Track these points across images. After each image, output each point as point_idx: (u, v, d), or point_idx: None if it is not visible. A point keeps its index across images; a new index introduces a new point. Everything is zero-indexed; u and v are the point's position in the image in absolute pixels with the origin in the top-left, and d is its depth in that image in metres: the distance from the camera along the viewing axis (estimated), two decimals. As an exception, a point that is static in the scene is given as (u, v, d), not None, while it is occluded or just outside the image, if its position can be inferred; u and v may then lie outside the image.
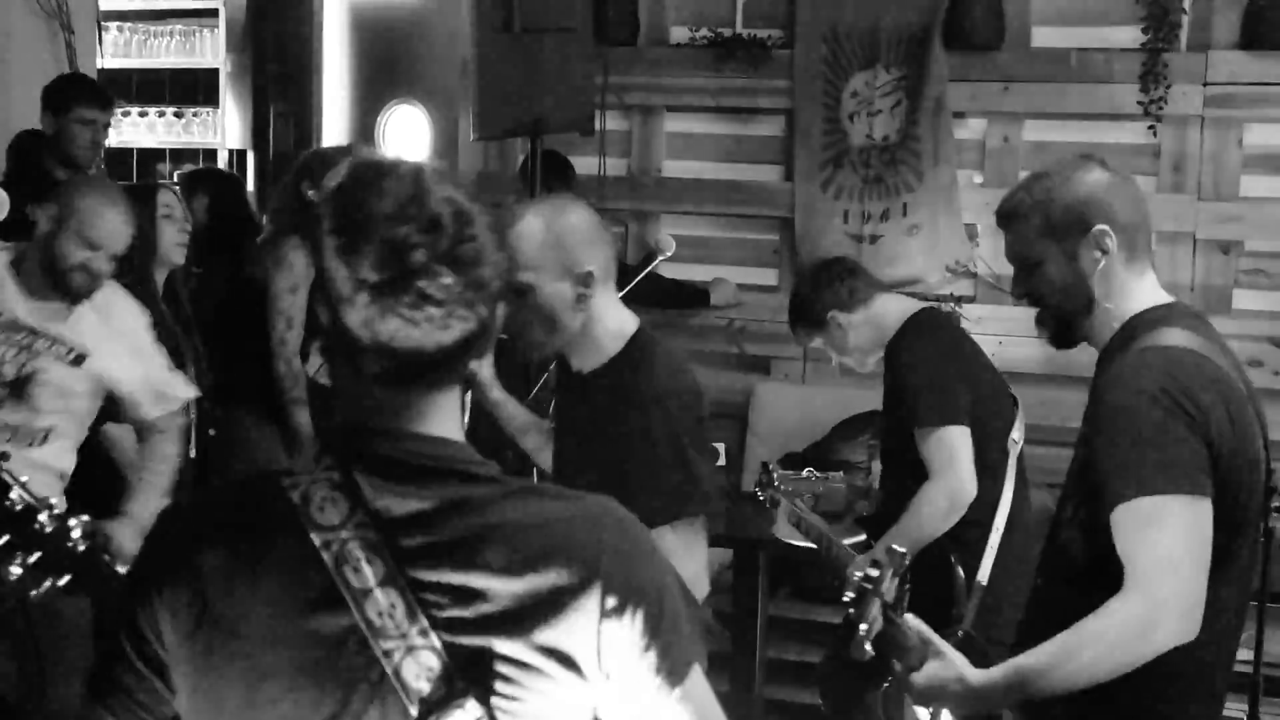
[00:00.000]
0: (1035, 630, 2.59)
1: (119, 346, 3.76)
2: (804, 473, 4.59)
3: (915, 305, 4.07)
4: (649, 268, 4.92)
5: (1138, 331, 2.55)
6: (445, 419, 1.68)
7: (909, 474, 3.90)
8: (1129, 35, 5.47)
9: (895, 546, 2.73)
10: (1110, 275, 2.58)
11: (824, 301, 4.08)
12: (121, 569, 2.28)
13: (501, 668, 1.59)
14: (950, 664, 2.53)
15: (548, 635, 1.60)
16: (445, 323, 1.57)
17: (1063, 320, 2.66)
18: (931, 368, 3.86)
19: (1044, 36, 5.66)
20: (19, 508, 1.98)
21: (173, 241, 4.39)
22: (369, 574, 1.58)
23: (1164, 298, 2.63)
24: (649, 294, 5.59)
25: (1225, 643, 2.51)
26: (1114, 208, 2.59)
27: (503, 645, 1.59)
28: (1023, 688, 2.45)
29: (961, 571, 3.79)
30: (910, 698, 2.65)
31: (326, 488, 1.62)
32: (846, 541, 4.24)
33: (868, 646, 2.55)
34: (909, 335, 3.97)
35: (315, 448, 1.68)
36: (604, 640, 1.62)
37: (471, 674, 1.58)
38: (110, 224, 3.63)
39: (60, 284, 3.63)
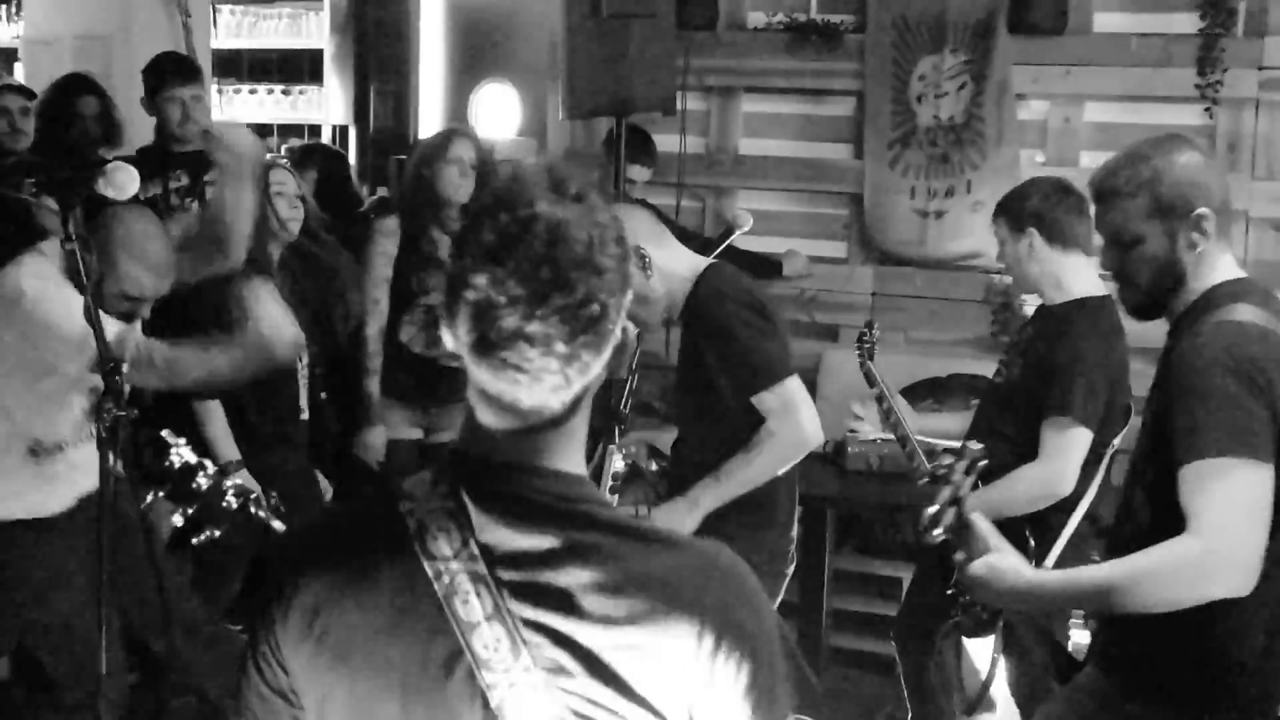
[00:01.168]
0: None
1: None
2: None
3: (1096, 287, 3.83)
4: (726, 241, 4.94)
5: (1212, 305, 2.55)
6: (569, 452, 1.58)
7: (1008, 444, 3.78)
8: (1187, 21, 5.41)
9: (973, 444, 2.75)
10: (1203, 256, 2.58)
11: (1039, 214, 3.84)
12: (276, 525, 2.33)
13: (597, 714, 1.51)
14: (1008, 557, 2.59)
15: (646, 687, 1.51)
16: (551, 383, 1.47)
17: (1151, 297, 2.64)
18: (1092, 363, 3.68)
19: (1105, 22, 5.60)
20: (178, 466, 2.03)
21: (285, 217, 4.36)
22: (477, 607, 1.52)
23: (1238, 272, 2.63)
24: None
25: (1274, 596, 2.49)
26: (1213, 191, 2.58)
27: (600, 694, 1.50)
28: (1073, 597, 2.55)
29: (1034, 552, 3.65)
30: (965, 584, 2.67)
31: (442, 517, 1.54)
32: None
33: (936, 531, 2.63)
34: (1081, 318, 3.78)
35: (434, 470, 1.59)
36: (703, 693, 1.52)
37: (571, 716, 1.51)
38: (147, 279, 3.60)
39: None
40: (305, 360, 4.37)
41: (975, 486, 2.79)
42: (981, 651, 3.56)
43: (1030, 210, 3.87)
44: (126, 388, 3.04)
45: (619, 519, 1.57)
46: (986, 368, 5.41)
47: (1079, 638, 3.90)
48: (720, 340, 3.46)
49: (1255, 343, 2.46)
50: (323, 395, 4.49)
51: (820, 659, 5.25)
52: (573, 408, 1.54)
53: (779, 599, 3.66)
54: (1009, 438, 3.81)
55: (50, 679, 3.64)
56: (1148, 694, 2.63)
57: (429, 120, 7.45)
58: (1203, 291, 2.58)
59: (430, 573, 1.53)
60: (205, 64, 6.32)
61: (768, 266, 5.89)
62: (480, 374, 1.48)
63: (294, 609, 1.58)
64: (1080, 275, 3.82)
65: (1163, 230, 2.57)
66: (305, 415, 4.45)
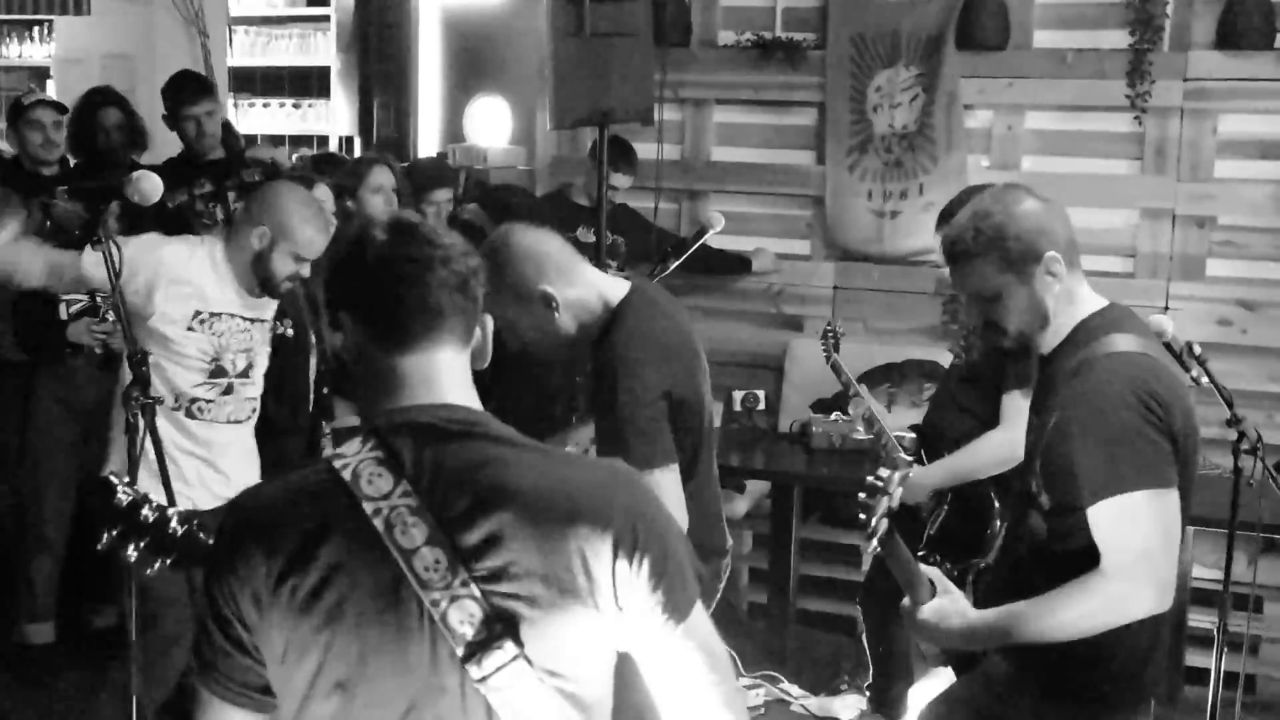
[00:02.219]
0: (1002, 587, 2.63)
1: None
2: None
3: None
4: (700, 240, 5.04)
5: (1088, 337, 2.54)
6: (459, 387, 1.75)
7: (973, 418, 3.91)
8: (1118, 37, 5.52)
9: (904, 455, 2.73)
10: (1062, 293, 2.57)
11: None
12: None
13: (531, 610, 1.61)
14: (957, 600, 2.55)
15: (570, 580, 1.62)
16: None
17: (1022, 339, 2.62)
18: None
19: (1044, 38, 5.71)
20: (125, 503, 2.08)
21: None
22: (416, 535, 1.60)
23: (1101, 302, 2.63)
24: (700, 262, 5.65)
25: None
26: (1056, 232, 2.55)
27: (533, 589, 1.61)
28: (1007, 632, 2.46)
29: (999, 512, 3.81)
30: (911, 629, 2.62)
31: (373, 464, 1.64)
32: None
33: (873, 543, 2.50)
34: None
35: (360, 434, 1.71)
36: (619, 581, 1.64)
37: (507, 617, 1.60)
38: (315, 240, 3.67)
39: (271, 290, 3.73)
40: (314, 358, 4.43)
41: (939, 513, 2.73)
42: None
43: None
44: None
45: (523, 438, 1.72)
46: (937, 353, 5.61)
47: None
48: (601, 405, 2.93)
49: (1147, 373, 2.44)
50: (324, 390, 4.55)
51: (788, 620, 5.34)
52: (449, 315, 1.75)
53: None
54: (974, 412, 3.95)
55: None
56: (1044, 686, 2.61)
57: (428, 131, 7.54)
58: (1074, 325, 2.58)
59: (369, 510, 1.62)
60: (222, 81, 6.45)
61: (738, 263, 5.98)
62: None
63: (253, 569, 1.64)
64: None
65: (1018, 280, 2.54)
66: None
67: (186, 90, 5.28)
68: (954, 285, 2.68)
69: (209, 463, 3.79)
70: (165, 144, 5.52)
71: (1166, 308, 5.40)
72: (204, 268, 3.70)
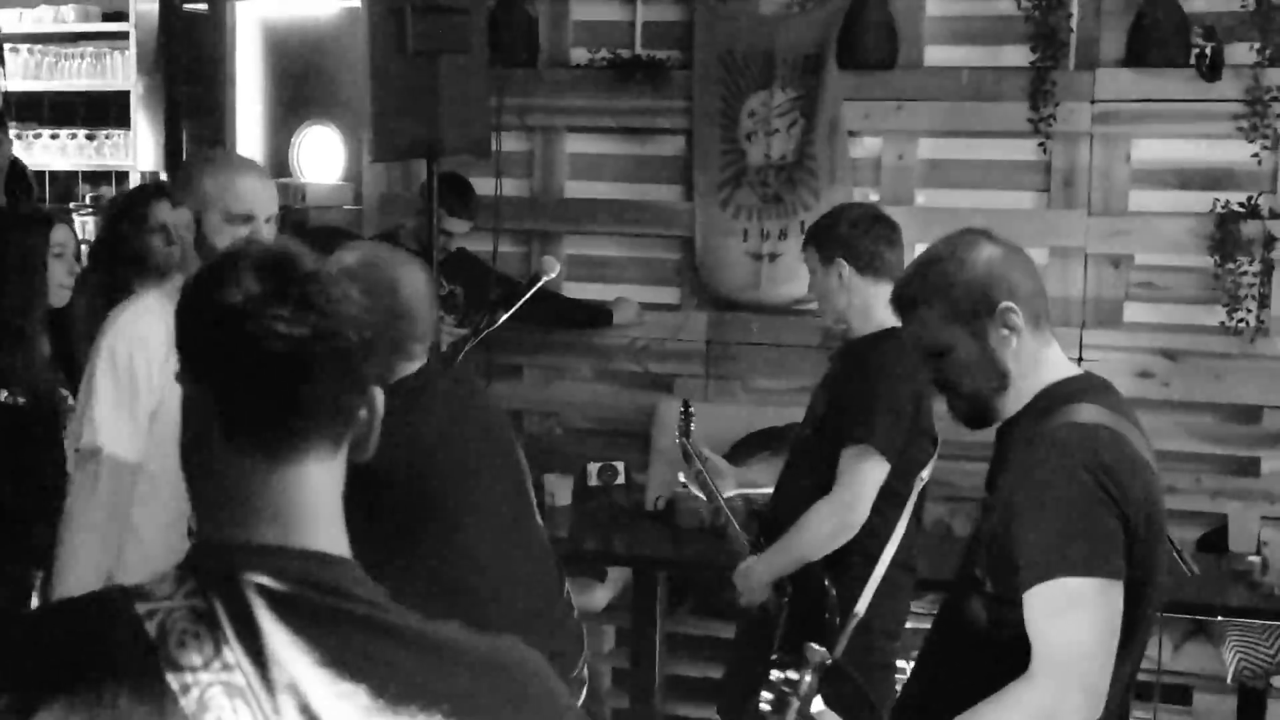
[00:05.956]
0: (925, 689, 2.59)
1: None
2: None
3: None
4: (533, 289, 4.76)
5: (1052, 405, 2.46)
6: (326, 519, 1.41)
7: (813, 483, 3.70)
8: (1019, 54, 5.34)
9: (815, 645, 2.66)
10: (1021, 350, 2.50)
11: (847, 243, 3.72)
12: None
13: None
14: None
15: None
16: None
17: (979, 402, 2.55)
18: (892, 392, 3.59)
19: (935, 55, 5.52)
20: None
21: (58, 282, 3.99)
22: None
23: (1072, 369, 2.58)
24: (551, 314, 5.47)
25: (1114, 711, 2.42)
26: (1013, 281, 2.51)
27: None
28: None
29: (836, 601, 3.64)
30: None
31: (188, 619, 1.32)
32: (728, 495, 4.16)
33: None
34: (887, 347, 3.64)
35: (178, 563, 1.37)
36: None
37: None
38: (255, 188, 3.22)
39: None
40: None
41: (818, 690, 2.65)
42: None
43: (839, 238, 3.76)
44: None
45: (393, 616, 1.37)
46: (823, 416, 5.28)
47: None
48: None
49: (1104, 446, 2.37)
50: None
51: (654, 728, 5.08)
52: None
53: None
54: (815, 478, 3.71)
55: None
56: None
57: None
58: (1036, 392, 2.50)
59: (175, 686, 1.28)
60: (-6, 108, 6.00)
61: (597, 315, 5.77)
62: None
63: None
64: (881, 305, 3.62)
65: (967, 333, 2.49)
66: None
67: None
68: (906, 339, 2.67)
69: None
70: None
71: (1080, 358, 5.17)
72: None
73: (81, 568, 3.08)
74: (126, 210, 4.53)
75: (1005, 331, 2.48)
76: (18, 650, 1.34)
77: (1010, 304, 2.48)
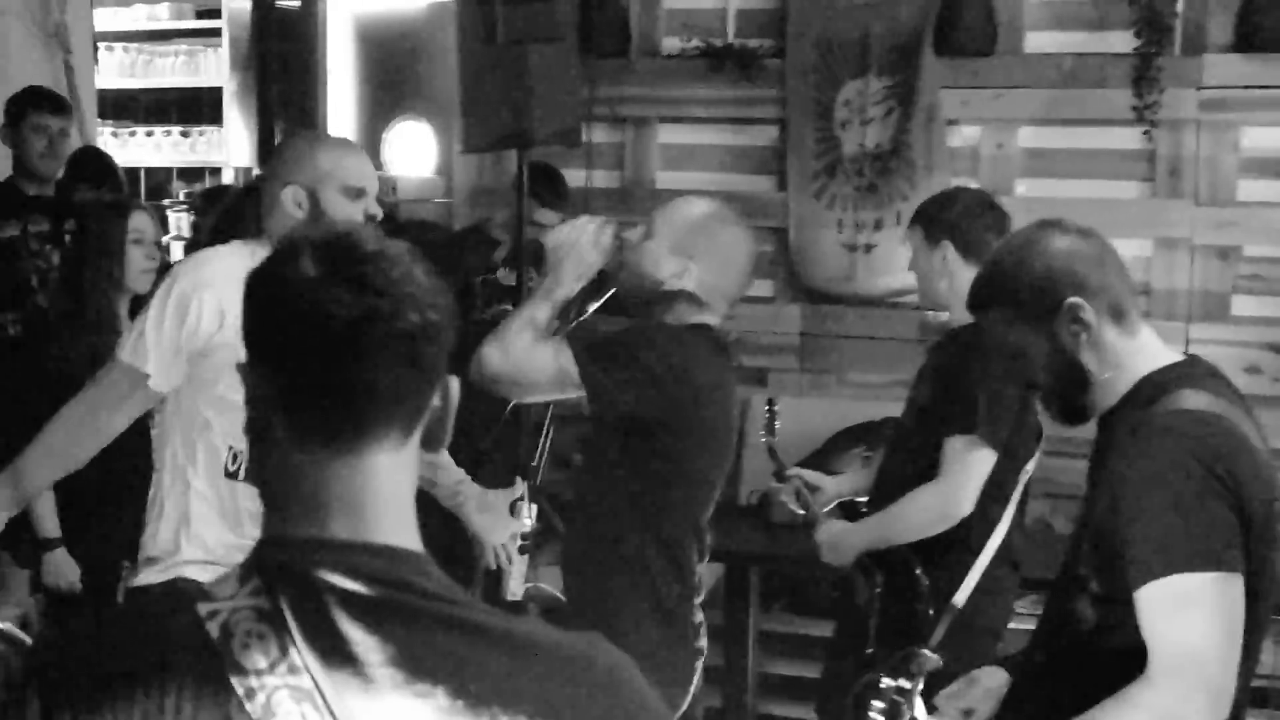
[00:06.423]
0: (1030, 693, 2.52)
1: None
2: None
3: None
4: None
5: (1153, 394, 2.35)
6: (396, 513, 1.37)
7: (915, 471, 3.63)
8: (1123, 40, 5.23)
9: (926, 652, 2.59)
10: (1100, 346, 2.39)
11: (957, 226, 3.67)
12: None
13: None
14: None
15: None
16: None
17: (1065, 400, 2.47)
18: (997, 380, 3.49)
19: (1036, 42, 5.43)
20: None
21: (139, 268, 4.04)
22: None
23: (1174, 355, 2.46)
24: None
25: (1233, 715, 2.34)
26: (1080, 275, 2.39)
27: None
28: None
29: (928, 590, 3.57)
30: None
31: (252, 619, 1.28)
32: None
33: None
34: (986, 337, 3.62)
35: (242, 564, 1.34)
36: None
37: None
38: (361, 165, 3.23)
39: None
40: None
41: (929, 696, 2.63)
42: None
43: (948, 222, 3.70)
44: None
45: (472, 602, 1.34)
46: (921, 410, 5.22)
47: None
48: None
49: (1217, 435, 2.26)
50: None
51: (747, 727, 5.05)
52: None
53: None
54: (916, 467, 3.64)
55: None
56: None
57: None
58: (1133, 382, 2.40)
59: (240, 691, 1.25)
60: (90, 105, 6.09)
61: None
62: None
63: None
64: None
65: (1036, 332, 2.40)
66: None
67: (42, 100, 5.04)
68: (988, 340, 2.68)
69: None
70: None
71: (1186, 353, 5.03)
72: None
73: (37, 450, 3.11)
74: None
75: (1075, 327, 2.38)
76: (81, 665, 1.32)
77: (1077, 300, 2.37)
